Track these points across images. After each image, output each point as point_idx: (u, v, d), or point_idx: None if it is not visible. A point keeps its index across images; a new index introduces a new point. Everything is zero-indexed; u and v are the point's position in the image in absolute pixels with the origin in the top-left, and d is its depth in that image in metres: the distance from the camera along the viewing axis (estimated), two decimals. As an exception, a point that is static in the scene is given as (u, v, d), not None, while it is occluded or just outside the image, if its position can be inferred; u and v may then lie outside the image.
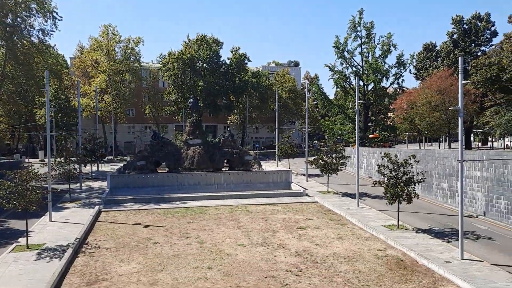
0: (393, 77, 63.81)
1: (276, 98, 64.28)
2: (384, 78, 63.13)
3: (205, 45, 79.01)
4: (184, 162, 46.43)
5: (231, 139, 50.16)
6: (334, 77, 64.50)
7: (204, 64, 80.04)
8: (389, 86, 65.64)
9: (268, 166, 56.07)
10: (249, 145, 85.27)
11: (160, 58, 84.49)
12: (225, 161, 49.96)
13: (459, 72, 23.20)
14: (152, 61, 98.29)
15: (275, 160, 64.18)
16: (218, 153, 47.97)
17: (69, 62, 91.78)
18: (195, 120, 49.11)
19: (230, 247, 24.14)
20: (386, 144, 79.01)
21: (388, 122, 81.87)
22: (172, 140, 55.25)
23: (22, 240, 24.62)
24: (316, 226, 29.07)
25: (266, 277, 19.67)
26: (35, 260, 21.85)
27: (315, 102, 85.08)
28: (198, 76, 79.34)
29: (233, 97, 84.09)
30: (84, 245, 24.71)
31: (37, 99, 61.21)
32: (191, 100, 52.57)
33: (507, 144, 69.89)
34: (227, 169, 49.12)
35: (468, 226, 28.97)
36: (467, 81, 26.98)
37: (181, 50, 79.03)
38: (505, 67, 40.32)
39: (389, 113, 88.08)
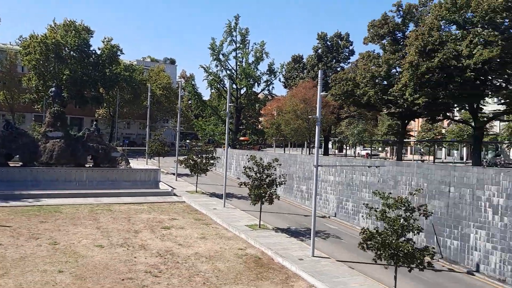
0: (264, 83, 66.94)
1: (149, 94, 62.64)
2: (256, 83, 65.88)
3: (74, 31, 73.44)
4: (41, 156, 42.44)
5: (97, 133, 47.39)
6: (208, 78, 65.22)
7: (71, 52, 74.36)
8: (260, 92, 68.64)
9: (137, 164, 54.35)
10: (118, 141, 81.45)
11: (20, 40, 76.17)
12: (90, 157, 47.00)
13: (319, 84, 25.28)
14: (10, 42, 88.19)
15: (146, 158, 62.49)
16: (81, 148, 44.85)
17: None
18: (56, 111, 45.26)
19: (86, 249, 22.77)
20: (255, 147, 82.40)
21: (260, 126, 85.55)
22: (28, 131, 50.18)
23: None
24: (181, 226, 29.00)
25: (123, 279, 18.99)
26: None
27: (190, 102, 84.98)
28: (63, 63, 73.36)
29: (102, 89, 79.56)
30: None
31: None
32: (53, 89, 48.37)
33: (358, 152, 78.21)
34: (91, 166, 46.27)
35: (321, 226, 31.62)
36: (326, 93, 29.67)
37: (45, 34, 72.29)
38: (359, 83, 45.22)
39: (260, 118, 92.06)
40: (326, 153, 64.23)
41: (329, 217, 35.45)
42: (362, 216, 31.89)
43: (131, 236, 25.68)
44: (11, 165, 42.70)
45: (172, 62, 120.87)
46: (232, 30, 65.76)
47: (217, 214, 32.70)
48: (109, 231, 26.54)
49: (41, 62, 71.95)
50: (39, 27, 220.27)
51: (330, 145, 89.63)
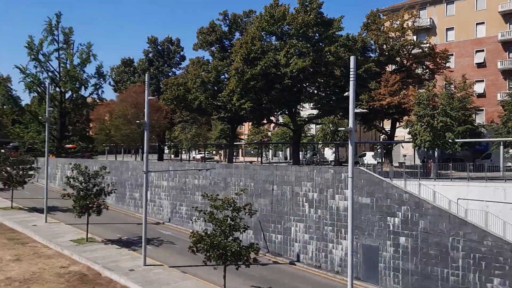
0: (93, 87, 62.78)
1: None
2: (83, 87, 61.34)
3: None
4: None
5: None
6: (26, 80, 58.29)
7: None
8: (88, 96, 64.13)
9: None
10: None
11: None
12: None
13: (146, 88, 24.80)
14: None
15: None
16: None
17: None
18: None
19: None
20: (85, 154, 76.66)
21: (91, 133, 79.83)
22: None
23: None
24: (-12, 249, 25.28)
25: None
26: None
27: (5, 106, 74.72)
28: None
29: None
30: None
31: None
32: None
33: (193, 156, 79.16)
34: None
35: (155, 233, 31.08)
36: (154, 97, 29.29)
37: None
38: (190, 88, 45.79)
39: (90, 123, 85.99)
40: (160, 158, 63.28)
41: (163, 223, 35.06)
42: (195, 220, 32.38)
43: None
44: None
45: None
46: (53, 28, 60.16)
47: (37, 231, 29.46)
48: None
49: None
50: None
51: (166, 150, 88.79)
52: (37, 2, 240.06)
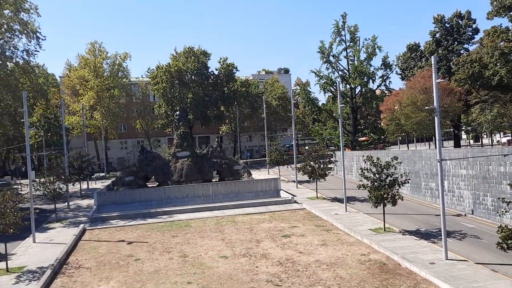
0: (380, 79, 63.95)
1: (264, 106, 64.22)
2: (371, 80, 63.20)
3: (193, 57, 79.00)
4: (173, 175, 46.18)
5: (219, 149, 50.04)
6: (320, 82, 64.52)
7: (193, 76, 79.97)
8: (376, 88, 65.65)
9: (259, 174, 55.89)
10: (241, 154, 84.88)
11: (148, 72, 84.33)
12: (215, 172, 49.78)
13: (433, 71, 23.18)
14: (141, 75, 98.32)
15: (267, 168, 63.98)
16: (206, 165, 47.77)
17: (59, 80, 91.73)
18: (182, 133, 49.00)
19: (212, 260, 23.86)
20: (379, 146, 78.85)
21: (382, 124, 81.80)
22: (161, 153, 55.02)
23: (2, 264, 24.23)
24: (301, 233, 28.81)
25: (245, 289, 19.40)
26: (14, 284, 21.50)
27: (305, 108, 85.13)
28: (186, 88, 79.27)
29: (223, 107, 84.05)
30: (64, 266, 24.38)
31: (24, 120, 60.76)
32: (178, 112, 52.48)
33: (498, 140, 69.86)
34: (217, 180, 48.88)
35: (456, 225, 28.78)
36: (442, 80, 27.01)
37: (169, 63, 79.02)
38: (487, 63, 40.36)
39: (382, 115, 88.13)
40: (457, 144, 58.64)
41: (465, 215, 32.09)
42: (504, 212, 28.20)
43: (253, 246, 26.25)
44: (149, 185, 47.21)
45: (286, 71, 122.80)
46: (340, 29, 64.37)
47: (338, 219, 31.80)
48: (233, 242, 27.50)
49: (167, 89, 78.70)
50: (163, 56, 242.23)
51: (463, 135, 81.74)
52: (330, 8, 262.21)
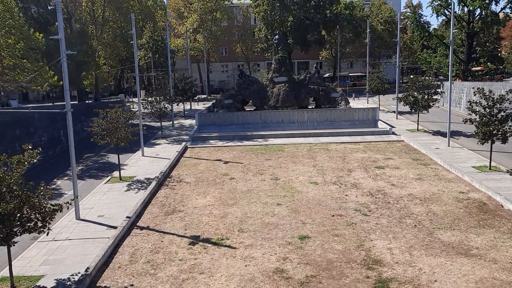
0: (506, 1, 55.76)
1: (368, 30, 60.50)
2: (494, 2, 55.50)
3: (293, -24, 75.65)
4: (269, 100, 46.73)
5: (318, 76, 49.03)
6: (433, 4, 58.27)
7: (294, -2, 77.18)
8: (500, 11, 57.75)
9: (357, 103, 54.22)
10: (340, 81, 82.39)
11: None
12: (312, 98, 49.30)
13: None
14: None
15: (366, 97, 61.66)
16: (303, 91, 47.37)
17: (166, 3, 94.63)
18: (280, 58, 48.54)
19: (302, 185, 24.37)
20: (496, 77, 71.15)
21: (503, 53, 73.14)
22: (259, 78, 55.49)
23: (116, 173, 27.24)
24: (396, 166, 27.93)
25: (333, 215, 19.68)
26: (125, 191, 24.22)
27: (414, 33, 78.46)
28: (287, 11, 77.02)
29: (324, 31, 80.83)
30: (167, 179, 26.70)
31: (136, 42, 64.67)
32: (277, 36, 51.68)
33: None
34: (313, 107, 48.52)
35: None
36: None
37: (270, -16, 76.68)
38: None
39: (502, 42, 78.43)
40: None
41: None
42: None
43: (344, 175, 26.16)
44: (246, 109, 48.48)
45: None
46: None
47: (439, 154, 30.08)
48: (324, 169, 27.65)
49: (268, 12, 77.25)
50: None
51: None
52: None
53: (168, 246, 17.00)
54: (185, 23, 78.32)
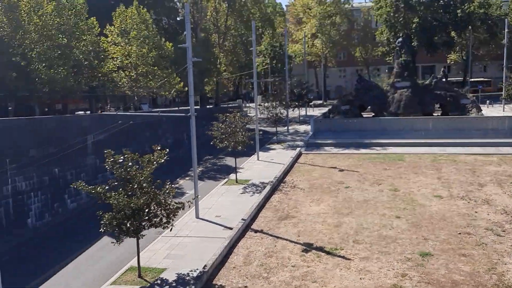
0: None
1: (506, 30, 54.42)
2: None
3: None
4: (389, 106, 44.59)
5: (445, 80, 45.48)
6: None
7: (420, -2, 72.83)
8: None
9: (491, 111, 49.08)
10: (469, 86, 75.40)
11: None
12: (438, 105, 45.88)
13: None
14: (364, 0, 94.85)
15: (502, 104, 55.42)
16: (428, 97, 44.25)
17: (285, 9, 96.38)
18: (403, 61, 46.10)
19: (424, 198, 22.60)
20: None
21: None
22: (379, 83, 53.36)
23: (233, 176, 28.19)
24: (539, 182, 24.51)
25: (459, 233, 17.86)
26: (241, 193, 24.92)
27: None
28: (412, 11, 72.95)
29: (453, 32, 74.83)
30: (281, 184, 26.82)
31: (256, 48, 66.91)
32: (400, 39, 49.25)
33: None
34: (439, 114, 45.08)
35: None
36: None
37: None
38: None
39: None
40: None
41: None
42: None
43: (474, 189, 23.65)
44: (364, 116, 46.90)
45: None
46: None
47: None
48: (450, 182, 25.32)
49: (391, 14, 74.07)
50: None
51: None
52: None
53: (281, 251, 16.96)
54: (303, 28, 78.72)
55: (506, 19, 58.98)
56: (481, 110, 43.78)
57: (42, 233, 21.81)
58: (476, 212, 20.23)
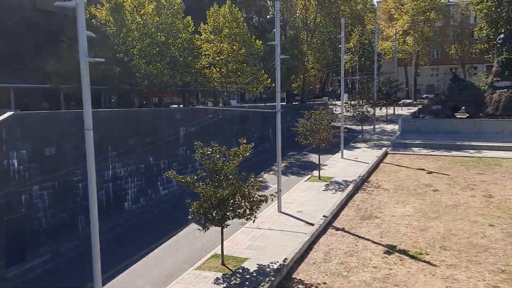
0: None
1: None
2: None
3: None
4: (486, 107, 41.71)
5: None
6: None
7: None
8: None
9: None
10: None
11: (474, -11, 75.32)
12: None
13: None
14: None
15: None
16: (532, 98, 40.65)
17: (376, 6, 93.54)
18: (504, 59, 42.80)
19: (522, 207, 20.97)
20: None
21: None
22: (475, 82, 50.02)
23: (316, 172, 28.27)
24: None
25: (562, 248, 16.37)
26: (323, 190, 24.94)
27: None
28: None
29: None
30: (365, 183, 26.36)
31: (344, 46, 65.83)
32: (502, 36, 45.77)
33: None
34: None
35: None
36: None
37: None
38: None
39: None
40: None
41: None
42: None
43: None
44: (457, 117, 44.27)
45: None
46: None
47: None
48: (555, 191, 23.21)
49: (493, 8, 68.66)
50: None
51: None
52: None
53: (362, 251, 16.80)
54: (395, 25, 75.85)
55: None
56: None
57: (136, 216, 23.66)
58: None
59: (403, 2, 76.45)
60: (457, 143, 35.65)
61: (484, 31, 72.03)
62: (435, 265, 15.33)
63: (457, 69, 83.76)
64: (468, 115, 43.67)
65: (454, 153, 33.60)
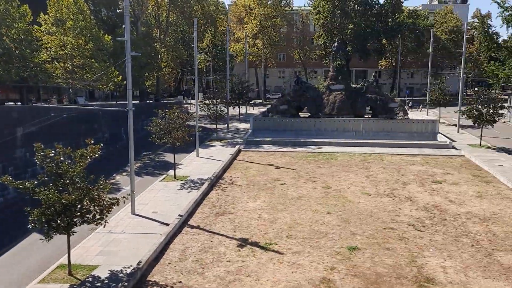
0: None
1: (432, 40, 58.38)
2: None
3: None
4: (324, 108, 46.27)
5: (375, 85, 47.95)
6: (503, 14, 55.17)
7: (356, 6, 76.22)
8: None
9: (416, 114, 52.47)
10: (397, 91, 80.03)
11: (311, 1, 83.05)
12: (368, 108, 48.30)
13: None
14: (304, 4, 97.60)
15: (426, 108, 59.50)
16: (360, 100, 46.46)
17: (227, 8, 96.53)
18: (338, 65, 47.99)
19: (353, 195, 23.93)
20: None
21: None
22: (316, 85, 55.17)
23: (171, 172, 28.08)
24: (454, 181, 26.73)
25: (384, 228, 19.17)
26: (179, 189, 24.93)
27: (481, 44, 74.67)
28: (348, 18, 76.20)
29: (384, 40, 79.07)
30: (220, 180, 27.15)
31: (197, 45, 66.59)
32: (336, 44, 51.20)
33: None
34: (369, 116, 47.49)
35: None
36: None
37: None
38: None
39: None
40: None
41: None
42: None
43: (399, 188, 25.39)
44: (301, 116, 48.32)
45: (464, 1, 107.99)
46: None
47: (502, 171, 28.42)
48: (378, 180, 26.98)
49: (328, 19, 76.73)
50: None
51: None
52: None
53: (217, 246, 17.29)
54: (245, 28, 79.47)
55: (431, 30, 63.20)
56: (407, 113, 46.74)
57: (-37, 231, 20.54)
58: (399, 208, 21.78)
59: (252, 7, 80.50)
60: (301, 140, 39.03)
61: (321, 39, 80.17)
62: (282, 253, 16.58)
63: (300, 72, 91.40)
64: (310, 114, 47.95)
65: (298, 149, 36.67)
